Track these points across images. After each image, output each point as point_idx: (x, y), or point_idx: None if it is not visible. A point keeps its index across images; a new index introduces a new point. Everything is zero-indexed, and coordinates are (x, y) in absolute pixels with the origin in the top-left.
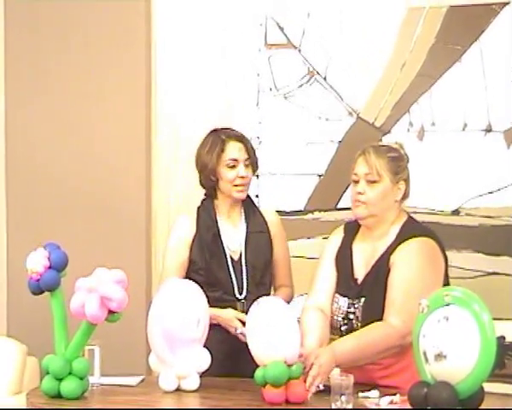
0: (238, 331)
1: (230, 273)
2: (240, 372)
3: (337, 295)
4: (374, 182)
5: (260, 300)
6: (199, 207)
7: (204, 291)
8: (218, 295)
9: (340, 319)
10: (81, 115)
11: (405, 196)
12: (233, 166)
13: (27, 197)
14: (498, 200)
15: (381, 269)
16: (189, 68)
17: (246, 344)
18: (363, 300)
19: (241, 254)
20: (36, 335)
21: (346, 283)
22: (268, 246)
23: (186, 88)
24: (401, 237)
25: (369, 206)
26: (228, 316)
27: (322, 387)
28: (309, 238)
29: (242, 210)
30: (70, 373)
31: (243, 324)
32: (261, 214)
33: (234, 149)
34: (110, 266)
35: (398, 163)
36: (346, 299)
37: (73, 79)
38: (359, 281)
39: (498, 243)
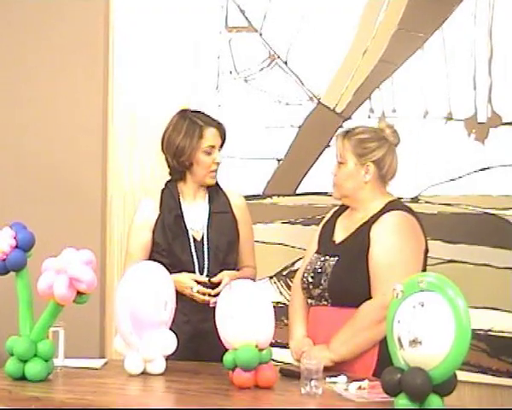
0: (194, 290)
1: (192, 254)
2: (204, 354)
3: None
4: (340, 163)
5: (232, 283)
6: (163, 190)
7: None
8: None
9: (309, 275)
10: (39, 98)
11: (384, 177)
12: (209, 153)
13: None
14: (458, 188)
15: (360, 235)
16: (148, 50)
17: (210, 326)
18: (336, 258)
19: (203, 235)
20: None
21: (324, 244)
22: (231, 226)
23: (145, 71)
24: (383, 211)
25: (338, 187)
26: (182, 279)
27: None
28: (267, 223)
29: (207, 191)
30: (35, 355)
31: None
32: (225, 195)
33: (212, 136)
34: (64, 246)
35: (364, 145)
36: (318, 255)
37: (33, 62)
38: (336, 242)
39: (457, 230)
